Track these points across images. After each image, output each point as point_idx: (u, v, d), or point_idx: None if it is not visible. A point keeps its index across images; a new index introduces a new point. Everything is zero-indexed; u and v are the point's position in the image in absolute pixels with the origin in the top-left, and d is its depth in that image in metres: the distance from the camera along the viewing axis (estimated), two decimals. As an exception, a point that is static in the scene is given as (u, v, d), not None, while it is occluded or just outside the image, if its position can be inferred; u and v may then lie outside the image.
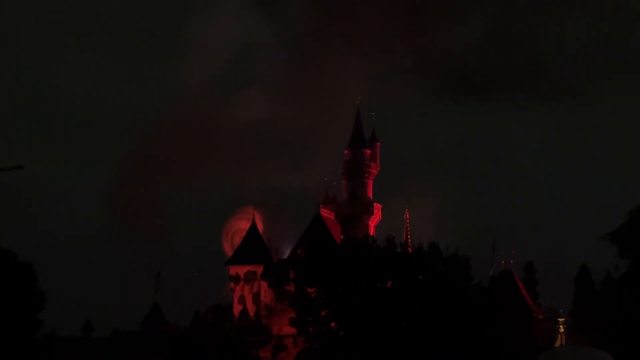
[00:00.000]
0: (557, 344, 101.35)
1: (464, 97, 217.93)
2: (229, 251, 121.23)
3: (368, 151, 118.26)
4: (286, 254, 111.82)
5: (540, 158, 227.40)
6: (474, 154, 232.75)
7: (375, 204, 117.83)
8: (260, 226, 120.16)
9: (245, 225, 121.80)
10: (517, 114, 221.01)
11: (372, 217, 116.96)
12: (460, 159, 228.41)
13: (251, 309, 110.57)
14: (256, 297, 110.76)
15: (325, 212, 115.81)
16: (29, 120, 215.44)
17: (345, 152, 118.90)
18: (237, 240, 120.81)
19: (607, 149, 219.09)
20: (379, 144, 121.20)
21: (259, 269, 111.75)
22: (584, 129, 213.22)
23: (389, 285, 69.70)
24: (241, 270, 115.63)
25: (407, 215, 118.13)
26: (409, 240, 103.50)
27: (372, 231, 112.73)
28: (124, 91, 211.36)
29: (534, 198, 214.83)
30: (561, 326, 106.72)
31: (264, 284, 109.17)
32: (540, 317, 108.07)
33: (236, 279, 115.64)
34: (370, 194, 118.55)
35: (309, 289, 72.44)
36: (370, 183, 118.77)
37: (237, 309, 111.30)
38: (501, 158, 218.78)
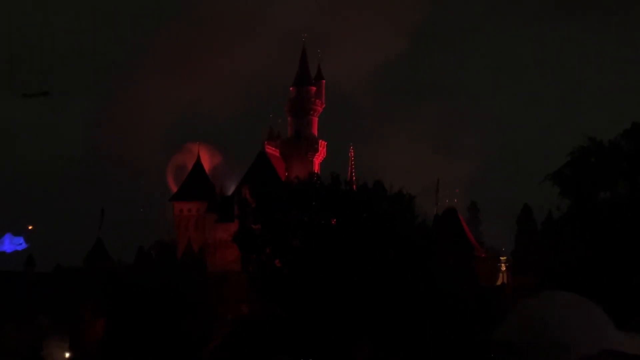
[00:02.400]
0: (499, 283, 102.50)
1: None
2: (173, 187, 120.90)
3: (313, 88, 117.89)
4: (231, 190, 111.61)
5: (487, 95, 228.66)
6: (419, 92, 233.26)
7: (320, 141, 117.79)
8: (205, 162, 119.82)
9: (190, 161, 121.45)
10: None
11: (317, 154, 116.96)
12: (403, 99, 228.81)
13: (195, 245, 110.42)
14: (200, 233, 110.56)
15: (270, 149, 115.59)
16: None
17: (291, 89, 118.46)
18: (182, 176, 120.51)
19: (555, 88, 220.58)
20: (324, 81, 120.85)
21: (204, 206, 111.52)
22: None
23: (333, 222, 69.74)
24: (185, 206, 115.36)
25: (352, 153, 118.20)
26: (354, 178, 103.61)
27: (316, 168, 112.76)
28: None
29: (479, 136, 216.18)
30: (503, 265, 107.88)
31: (208, 221, 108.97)
32: (483, 255, 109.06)
33: (180, 215, 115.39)
34: (315, 131, 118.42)
35: (253, 226, 72.33)
36: (315, 120, 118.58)
37: (181, 245, 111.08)
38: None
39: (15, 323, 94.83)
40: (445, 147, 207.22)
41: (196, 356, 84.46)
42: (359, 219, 67.40)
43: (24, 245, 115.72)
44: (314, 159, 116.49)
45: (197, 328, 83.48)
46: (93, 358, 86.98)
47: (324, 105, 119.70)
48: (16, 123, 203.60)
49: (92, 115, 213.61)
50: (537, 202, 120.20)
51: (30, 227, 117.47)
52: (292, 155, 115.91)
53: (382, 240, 65.89)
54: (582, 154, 49.03)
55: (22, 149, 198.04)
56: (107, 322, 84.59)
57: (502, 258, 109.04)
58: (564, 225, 49.32)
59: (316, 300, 65.28)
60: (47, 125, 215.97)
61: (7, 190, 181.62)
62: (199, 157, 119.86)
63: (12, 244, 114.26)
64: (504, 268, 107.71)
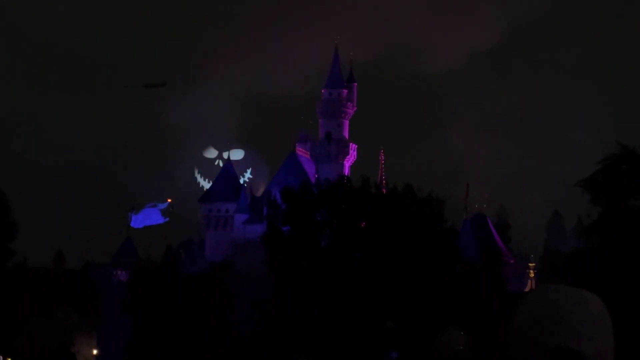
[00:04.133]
0: (527, 289, 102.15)
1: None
2: (203, 187, 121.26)
3: (345, 91, 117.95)
4: (260, 191, 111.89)
5: (517, 102, 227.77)
6: (450, 97, 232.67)
7: (350, 144, 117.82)
8: (235, 163, 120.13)
9: (221, 161, 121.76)
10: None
11: (347, 157, 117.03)
12: (438, 102, 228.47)
13: (224, 245, 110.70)
14: (229, 234, 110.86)
15: (301, 151, 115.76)
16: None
17: (322, 91, 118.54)
18: (212, 176, 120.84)
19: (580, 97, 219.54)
20: (356, 84, 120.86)
21: (233, 206, 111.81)
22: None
23: (362, 225, 69.77)
24: (214, 206, 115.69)
25: (382, 157, 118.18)
26: (384, 181, 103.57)
27: (347, 171, 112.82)
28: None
29: (510, 143, 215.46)
30: (531, 271, 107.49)
31: (237, 221, 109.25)
32: (512, 261, 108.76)
33: (209, 215, 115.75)
34: (346, 134, 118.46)
35: (281, 228, 72.48)
36: (346, 123, 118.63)
37: (209, 245, 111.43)
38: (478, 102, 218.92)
39: (44, 319, 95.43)
40: (475, 150, 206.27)
41: (222, 355, 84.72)
42: (388, 223, 67.40)
43: (160, 220, 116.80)
44: (345, 162, 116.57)
45: (223, 327, 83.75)
46: (120, 355, 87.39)
47: (355, 108, 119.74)
48: (52, 117, 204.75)
49: (123, 110, 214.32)
50: (567, 208, 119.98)
51: (169, 200, 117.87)
52: (322, 158, 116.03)
53: (410, 244, 65.87)
54: (614, 161, 48.84)
55: (54, 144, 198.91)
56: (134, 320, 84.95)
57: (530, 264, 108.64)
58: (594, 232, 49.12)
59: (342, 303, 65.34)
60: (83, 120, 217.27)
61: (37, 187, 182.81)
62: (229, 157, 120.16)
63: (149, 217, 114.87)
64: (532, 274, 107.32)
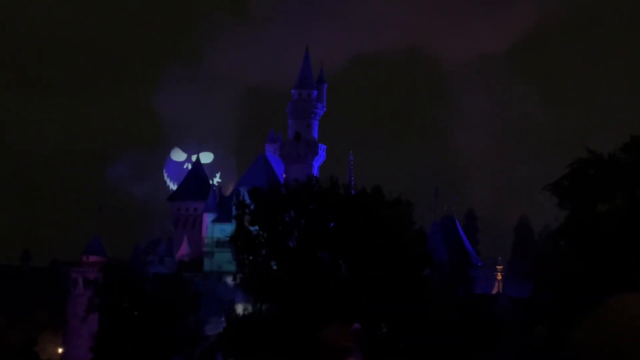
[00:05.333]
0: (494, 291, 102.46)
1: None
2: (171, 186, 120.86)
3: (315, 92, 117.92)
4: (229, 191, 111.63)
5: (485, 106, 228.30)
6: (422, 100, 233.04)
7: (320, 144, 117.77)
8: (204, 162, 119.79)
9: (189, 160, 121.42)
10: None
11: (317, 157, 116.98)
12: (407, 106, 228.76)
13: (192, 245, 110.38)
14: (197, 233, 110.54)
15: (270, 151, 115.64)
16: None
17: (292, 91, 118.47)
18: (181, 175, 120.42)
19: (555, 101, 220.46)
20: (326, 84, 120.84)
21: (202, 205, 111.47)
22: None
23: (330, 226, 69.70)
24: (183, 205, 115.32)
25: (352, 158, 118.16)
26: (352, 182, 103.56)
27: (315, 172, 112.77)
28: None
29: (479, 146, 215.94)
30: (499, 274, 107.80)
31: (205, 221, 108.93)
32: (480, 264, 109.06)
33: (178, 214, 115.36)
34: (315, 135, 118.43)
35: (250, 227, 72.29)
36: (316, 124, 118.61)
37: (177, 244, 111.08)
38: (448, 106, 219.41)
39: (11, 317, 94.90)
40: (446, 155, 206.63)
41: (189, 354, 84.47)
42: (356, 224, 67.36)
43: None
44: (314, 162, 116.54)
45: (190, 326, 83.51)
46: (85, 354, 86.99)
47: (325, 109, 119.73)
48: (13, 115, 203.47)
49: (93, 110, 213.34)
50: (535, 212, 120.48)
51: None
52: (291, 158, 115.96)
53: (378, 245, 65.87)
54: (581, 165, 49.08)
55: (20, 141, 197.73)
56: (101, 319, 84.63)
57: (498, 267, 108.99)
58: (561, 236, 49.34)
59: (310, 302, 65.28)
60: (47, 118, 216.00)
61: (3, 184, 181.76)
62: (198, 156, 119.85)
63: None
64: (499, 277, 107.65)
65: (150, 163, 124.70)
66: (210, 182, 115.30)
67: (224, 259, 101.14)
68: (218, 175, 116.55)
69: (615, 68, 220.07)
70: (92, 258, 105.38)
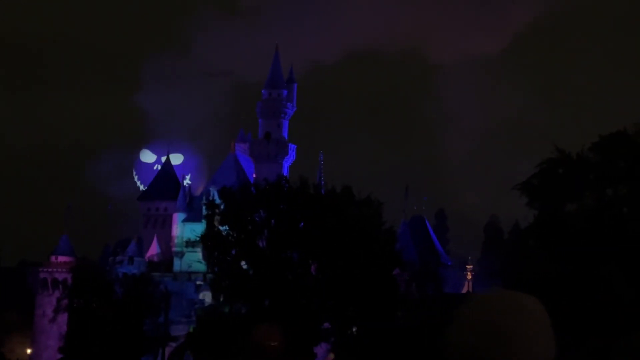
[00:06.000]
0: (464, 291, 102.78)
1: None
2: (141, 186, 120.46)
3: (285, 91, 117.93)
4: (199, 190, 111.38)
5: (456, 107, 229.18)
6: (391, 102, 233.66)
7: (290, 144, 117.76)
8: (174, 161, 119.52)
9: (160, 159, 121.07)
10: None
11: (286, 157, 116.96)
12: (380, 107, 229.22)
13: (162, 244, 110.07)
14: (167, 232, 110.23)
15: (240, 151, 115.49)
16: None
17: (262, 91, 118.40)
18: (151, 174, 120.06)
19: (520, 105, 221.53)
20: (296, 84, 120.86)
21: (172, 205, 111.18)
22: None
23: (300, 226, 69.76)
24: (153, 205, 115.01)
25: (322, 158, 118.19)
26: (322, 182, 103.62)
27: (285, 171, 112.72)
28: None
29: (449, 147, 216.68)
30: (469, 273, 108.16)
31: (175, 220, 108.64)
32: (449, 263, 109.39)
33: (148, 213, 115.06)
34: (285, 134, 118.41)
35: (220, 227, 72.26)
36: (286, 123, 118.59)
37: (147, 243, 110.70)
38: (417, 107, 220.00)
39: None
40: (416, 154, 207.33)
41: (158, 355, 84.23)
42: (326, 224, 67.43)
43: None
44: (283, 162, 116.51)
45: (160, 327, 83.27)
46: (54, 355, 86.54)
47: (295, 109, 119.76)
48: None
49: (61, 109, 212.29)
50: (505, 211, 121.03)
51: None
52: (261, 158, 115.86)
53: (348, 245, 65.95)
54: (550, 165, 49.24)
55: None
56: (70, 319, 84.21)
57: (468, 266, 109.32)
58: (530, 235, 49.49)
59: (281, 302, 65.29)
60: (21, 115, 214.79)
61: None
62: (168, 155, 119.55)
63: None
64: (469, 276, 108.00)
65: (129, 161, 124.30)
66: (181, 182, 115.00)
67: (194, 259, 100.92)
68: (188, 177, 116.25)
69: (602, 70, 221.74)
70: (61, 258, 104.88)
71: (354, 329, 67.53)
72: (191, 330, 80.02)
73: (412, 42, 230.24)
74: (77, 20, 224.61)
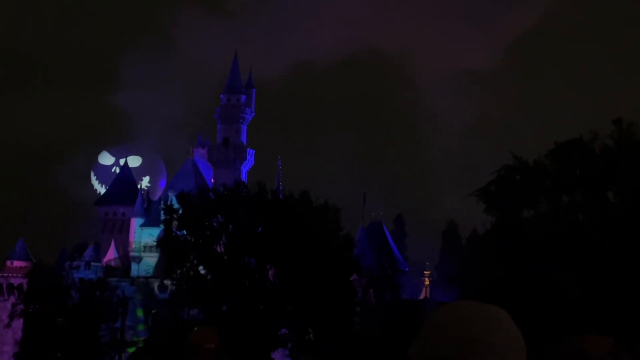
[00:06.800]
0: (422, 297, 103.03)
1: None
2: (99, 190, 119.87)
3: (244, 97, 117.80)
4: (157, 195, 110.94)
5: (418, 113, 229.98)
6: (352, 108, 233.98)
7: (248, 149, 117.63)
8: (133, 166, 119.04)
9: (118, 163, 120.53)
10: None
11: (245, 162, 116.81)
12: (341, 113, 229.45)
13: (119, 249, 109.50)
14: (125, 237, 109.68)
15: (199, 156, 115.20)
16: None
17: (221, 96, 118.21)
18: (109, 179, 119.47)
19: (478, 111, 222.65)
20: (254, 90, 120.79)
21: (130, 210, 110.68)
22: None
23: (258, 231, 69.72)
24: (111, 209, 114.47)
25: (280, 163, 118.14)
26: (280, 187, 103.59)
27: (244, 177, 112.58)
28: None
29: (408, 152, 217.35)
30: (427, 279, 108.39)
31: (133, 225, 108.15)
32: (407, 269, 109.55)
33: (105, 218, 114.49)
34: (244, 140, 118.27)
35: (178, 232, 72.08)
36: (244, 129, 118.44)
37: (104, 249, 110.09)
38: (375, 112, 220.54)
39: None
40: (374, 161, 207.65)
41: (115, 359, 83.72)
42: (284, 229, 67.44)
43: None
44: (242, 167, 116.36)
45: (116, 332, 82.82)
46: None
47: (254, 114, 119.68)
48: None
49: (36, 110, 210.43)
50: (463, 217, 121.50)
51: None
52: (220, 163, 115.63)
53: (306, 250, 66.00)
54: (507, 171, 49.55)
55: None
56: (25, 324, 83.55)
57: (426, 272, 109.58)
58: (487, 241, 49.76)
59: (238, 307, 65.19)
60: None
61: None
62: (126, 160, 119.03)
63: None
64: (427, 282, 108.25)
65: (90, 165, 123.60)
66: (139, 186, 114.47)
67: (151, 264, 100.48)
68: (146, 179, 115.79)
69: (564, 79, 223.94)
70: (17, 263, 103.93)
71: (311, 335, 67.55)
72: (148, 335, 79.66)
73: (370, 47, 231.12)
74: (52, 19, 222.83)
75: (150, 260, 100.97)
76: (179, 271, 71.22)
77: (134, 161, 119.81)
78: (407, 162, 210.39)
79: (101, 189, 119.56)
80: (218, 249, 70.03)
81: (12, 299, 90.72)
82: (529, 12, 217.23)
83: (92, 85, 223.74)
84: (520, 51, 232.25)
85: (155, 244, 78.87)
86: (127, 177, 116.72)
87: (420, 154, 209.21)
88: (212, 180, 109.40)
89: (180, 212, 72.32)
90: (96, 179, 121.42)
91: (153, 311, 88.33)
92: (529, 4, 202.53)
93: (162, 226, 76.56)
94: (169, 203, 79.57)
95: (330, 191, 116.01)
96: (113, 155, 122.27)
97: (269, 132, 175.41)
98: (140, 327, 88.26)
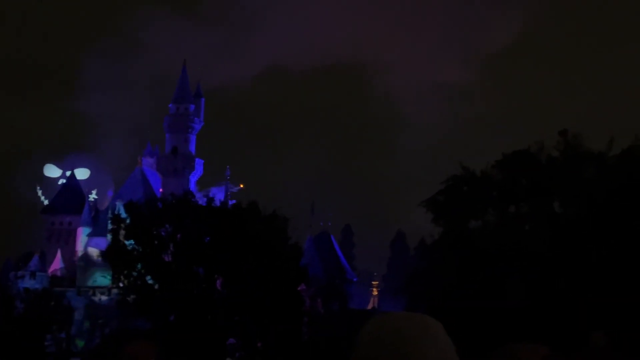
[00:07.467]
0: (370, 307, 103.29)
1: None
2: (44, 199, 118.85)
3: (192, 106, 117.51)
4: (105, 205, 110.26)
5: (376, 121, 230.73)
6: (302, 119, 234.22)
7: (197, 159, 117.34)
8: (79, 175, 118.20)
9: (64, 172, 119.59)
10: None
11: (193, 172, 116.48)
12: (287, 123, 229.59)
13: (66, 259, 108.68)
14: (72, 247, 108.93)
15: (147, 165, 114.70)
16: None
17: (170, 105, 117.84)
18: (55, 188, 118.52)
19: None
20: (203, 99, 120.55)
21: (76, 219, 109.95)
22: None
23: (206, 241, 69.55)
24: (57, 219, 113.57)
25: (228, 173, 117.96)
26: (229, 197, 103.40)
27: (192, 186, 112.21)
28: None
29: (359, 163, 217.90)
30: (374, 289, 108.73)
31: (80, 234, 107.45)
32: (355, 279, 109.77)
33: (52, 227, 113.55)
34: (192, 149, 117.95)
35: (125, 242, 71.69)
36: (193, 138, 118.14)
37: (50, 258, 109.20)
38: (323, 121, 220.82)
39: None
40: (322, 171, 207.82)
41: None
42: (232, 239, 67.36)
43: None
44: (190, 177, 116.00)
45: (62, 342, 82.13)
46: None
47: (202, 124, 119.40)
48: None
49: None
50: (411, 227, 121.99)
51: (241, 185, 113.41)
52: (168, 172, 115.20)
53: (253, 260, 65.97)
54: (455, 182, 49.78)
55: None
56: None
57: (374, 282, 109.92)
58: (435, 251, 49.94)
59: (186, 317, 64.93)
60: None
61: None
62: (72, 171, 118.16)
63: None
64: (375, 292, 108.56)
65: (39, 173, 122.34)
66: (86, 197, 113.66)
67: (98, 274, 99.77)
68: (94, 192, 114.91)
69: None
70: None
71: (259, 344, 67.44)
72: (94, 346, 79.06)
73: (339, 58, 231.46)
74: (15, 22, 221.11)
75: (97, 270, 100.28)
76: (126, 281, 70.81)
77: (82, 174, 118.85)
78: (358, 173, 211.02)
79: (45, 201, 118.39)
80: (166, 258, 69.74)
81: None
82: (504, 32, 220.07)
83: (48, 89, 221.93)
84: (493, 67, 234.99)
85: (101, 253, 78.37)
86: (74, 186, 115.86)
87: (373, 165, 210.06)
88: (161, 190, 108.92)
89: (127, 221, 71.96)
90: (41, 191, 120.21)
91: (99, 321, 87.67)
92: (504, 25, 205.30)
93: (109, 236, 76.09)
94: (116, 212, 79.14)
95: (280, 200, 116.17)
96: (60, 167, 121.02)
97: (219, 142, 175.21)
98: (86, 338, 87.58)
